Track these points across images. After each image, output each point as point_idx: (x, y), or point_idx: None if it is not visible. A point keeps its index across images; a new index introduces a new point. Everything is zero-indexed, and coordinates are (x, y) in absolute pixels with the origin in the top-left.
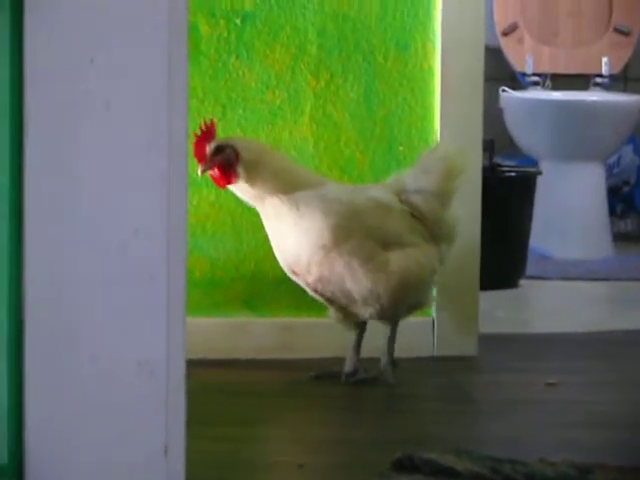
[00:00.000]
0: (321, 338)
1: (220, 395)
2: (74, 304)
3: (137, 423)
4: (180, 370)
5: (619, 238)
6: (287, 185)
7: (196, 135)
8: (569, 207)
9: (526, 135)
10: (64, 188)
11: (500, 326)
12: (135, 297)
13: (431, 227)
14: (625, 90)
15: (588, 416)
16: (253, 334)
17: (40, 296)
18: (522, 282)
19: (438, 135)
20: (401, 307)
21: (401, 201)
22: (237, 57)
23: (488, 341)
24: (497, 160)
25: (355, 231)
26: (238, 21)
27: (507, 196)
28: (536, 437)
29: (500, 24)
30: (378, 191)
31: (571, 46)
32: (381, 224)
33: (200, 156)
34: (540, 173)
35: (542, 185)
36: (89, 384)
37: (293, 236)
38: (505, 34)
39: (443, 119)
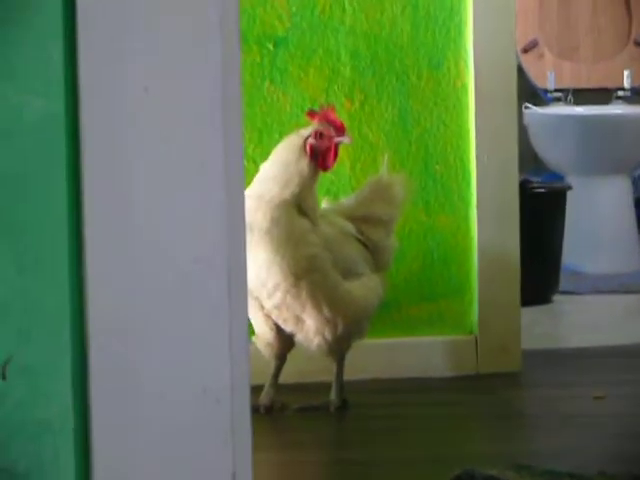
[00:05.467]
0: None
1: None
2: (137, 336)
3: (204, 452)
4: (245, 396)
5: None
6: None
7: (326, 110)
8: (597, 221)
9: (551, 151)
10: (122, 219)
11: (539, 342)
12: (197, 326)
13: (377, 255)
14: None
15: None
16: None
17: (102, 329)
18: (555, 297)
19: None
20: (353, 338)
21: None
22: (271, 82)
23: (529, 357)
24: (524, 176)
25: (325, 261)
26: (271, 46)
27: (539, 212)
28: (592, 450)
29: (520, 41)
30: (337, 217)
31: (592, 60)
32: (345, 253)
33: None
34: (570, 188)
35: (569, 200)
36: (155, 415)
37: (267, 259)
38: (525, 51)
39: (478, 136)
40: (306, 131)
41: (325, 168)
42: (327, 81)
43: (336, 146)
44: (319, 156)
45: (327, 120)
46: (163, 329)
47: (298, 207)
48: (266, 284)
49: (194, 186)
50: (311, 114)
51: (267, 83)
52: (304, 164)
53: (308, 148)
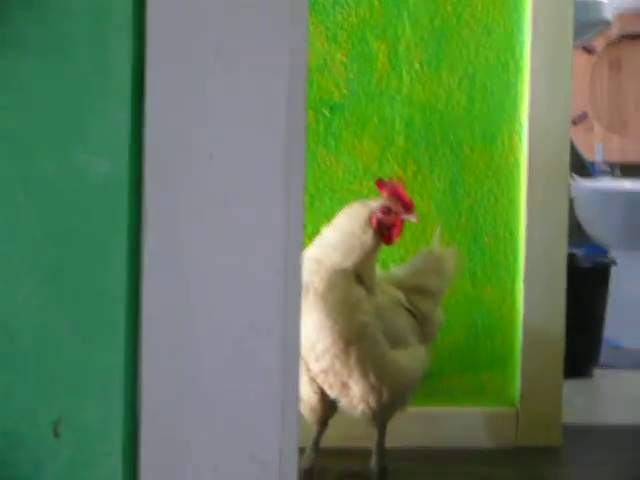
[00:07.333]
0: None
1: None
2: (189, 401)
3: None
4: (293, 463)
5: None
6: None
7: (396, 184)
8: (638, 296)
9: (597, 224)
10: (179, 283)
11: (579, 416)
12: (249, 392)
13: (424, 327)
14: None
15: None
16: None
17: (155, 393)
18: (595, 371)
19: (529, 228)
20: (396, 407)
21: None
22: (325, 147)
23: (569, 431)
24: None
25: (376, 329)
26: (327, 112)
27: (583, 286)
28: None
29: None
30: (389, 286)
31: None
32: (395, 323)
33: (411, 202)
34: (615, 263)
35: (612, 273)
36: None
37: (319, 323)
38: (574, 123)
39: (528, 210)
40: (374, 203)
41: (389, 243)
42: (381, 149)
43: (402, 222)
44: (384, 230)
45: (396, 195)
46: (215, 394)
47: (356, 275)
48: (315, 347)
49: (254, 252)
50: (380, 184)
51: (321, 148)
52: (368, 236)
53: (374, 222)
